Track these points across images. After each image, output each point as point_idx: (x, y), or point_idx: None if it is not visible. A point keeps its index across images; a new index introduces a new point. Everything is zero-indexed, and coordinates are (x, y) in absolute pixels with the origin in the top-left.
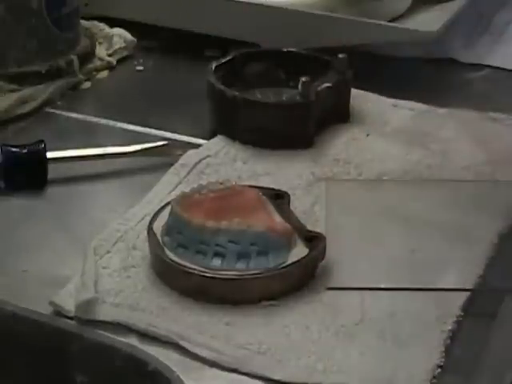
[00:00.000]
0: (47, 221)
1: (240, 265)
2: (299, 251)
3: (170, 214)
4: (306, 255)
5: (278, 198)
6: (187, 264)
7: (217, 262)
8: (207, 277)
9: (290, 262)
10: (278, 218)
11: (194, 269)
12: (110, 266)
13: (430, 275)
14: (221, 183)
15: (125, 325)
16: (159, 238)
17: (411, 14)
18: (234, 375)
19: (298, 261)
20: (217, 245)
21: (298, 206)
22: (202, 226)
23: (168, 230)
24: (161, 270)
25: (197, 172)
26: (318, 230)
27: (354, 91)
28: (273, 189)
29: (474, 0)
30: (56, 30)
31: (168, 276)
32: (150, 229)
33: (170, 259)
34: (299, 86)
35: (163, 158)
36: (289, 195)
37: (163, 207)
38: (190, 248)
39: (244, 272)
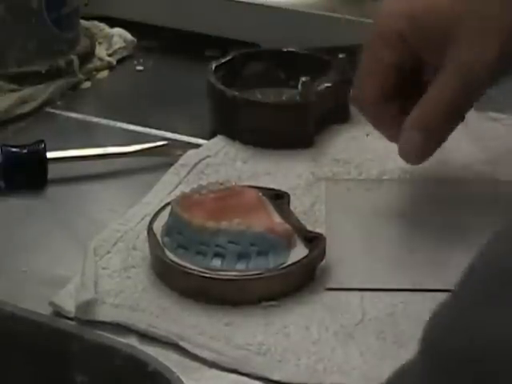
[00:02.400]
0: (47, 221)
1: (240, 265)
2: (299, 252)
3: (170, 214)
4: (306, 256)
5: (278, 198)
6: (187, 264)
7: (217, 262)
8: (207, 277)
9: (289, 262)
10: (277, 219)
11: (194, 269)
12: (110, 267)
13: (429, 275)
14: (221, 183)
15: (125, 325)
16: (159, 238)
17: None
18: (234, 376)
19: (297, 261)
20: (217, 245)
21: (297, 205)
22: (202, 226)
23: (168, 230)
24: (161, 270)
25: (197, 172)
26: (317, 230)
27: None
28: (273, 189)
29: None
30: (56, 30)
31: (168, 277)
32: (149, 229)
33: (170, 260)
34: (299, 86)
35: (163, 157)
36: (289, 195)
37: (163, 207)
38: (189, 248)
39: (244, 272)
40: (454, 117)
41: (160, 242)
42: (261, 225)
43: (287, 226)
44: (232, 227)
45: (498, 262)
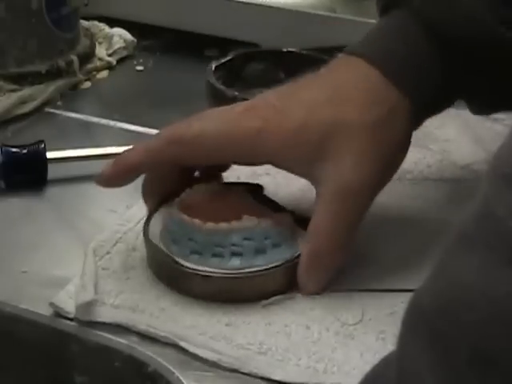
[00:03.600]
0: (47, 221)
1: (259, 261)
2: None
3: (173, 222)
4: None
5: (255, 190)
6: (206, 269)
7: (235, 261)
8: (231, 278)
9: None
10: (272, 211)
11: (215, 272)
12: (110, 267)
13: None
14: (206, 185)
15: (125, 326)
16: (161, 246)
17: None
18: (235, 376)
19: (298, 256)
20: (233, 245)
21: (297, 205)
22: (215, 228)
23: (175, 238)
24: (177, 280)
25: None
26: None
27: None
28: (244, 183)
29: None
30: (56, 30)
31: (187, 285)
32: (145, 231)
33: (188, 267)
34: None
35: None
36: (262, 186)
37: (155, 210)
38: (204, 253)
39: (264, 267)
40: (346, 244)
41: (164, 250)
42: (265, 218)
43: (287, 216)
44: (243, 224)
45: None
